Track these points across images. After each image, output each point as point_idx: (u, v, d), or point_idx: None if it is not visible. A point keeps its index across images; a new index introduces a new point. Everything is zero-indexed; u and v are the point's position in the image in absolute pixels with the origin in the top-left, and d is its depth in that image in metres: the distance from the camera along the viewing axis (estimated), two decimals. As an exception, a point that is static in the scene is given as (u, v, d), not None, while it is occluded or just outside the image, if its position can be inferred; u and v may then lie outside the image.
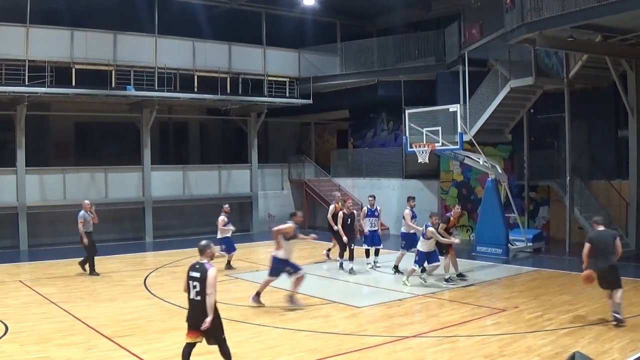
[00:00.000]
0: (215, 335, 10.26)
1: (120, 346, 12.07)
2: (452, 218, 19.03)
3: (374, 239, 21.09)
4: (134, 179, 29.58)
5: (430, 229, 17.50)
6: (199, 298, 10.04)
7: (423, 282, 18.12)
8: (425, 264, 17.88)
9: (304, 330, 13.32)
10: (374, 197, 21.69)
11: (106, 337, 12.74)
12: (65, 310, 15.17)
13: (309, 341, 12.57)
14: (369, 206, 21.32)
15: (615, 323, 13.19)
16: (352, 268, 20.08)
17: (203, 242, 10.43)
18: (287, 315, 14.57)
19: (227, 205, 21.96)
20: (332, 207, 21.75)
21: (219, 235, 21.03)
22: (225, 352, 10.36)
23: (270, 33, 32.01)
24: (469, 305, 15.70)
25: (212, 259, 10.44)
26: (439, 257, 18.35)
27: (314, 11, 32.48)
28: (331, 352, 11.77)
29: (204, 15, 30.63)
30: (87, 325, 13.73)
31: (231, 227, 21.38)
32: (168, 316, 14.64)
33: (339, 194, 23.18)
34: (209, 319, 9.95)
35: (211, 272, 10.04)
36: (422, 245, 17.79)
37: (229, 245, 21.28)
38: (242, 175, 33.29)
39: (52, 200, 27.28)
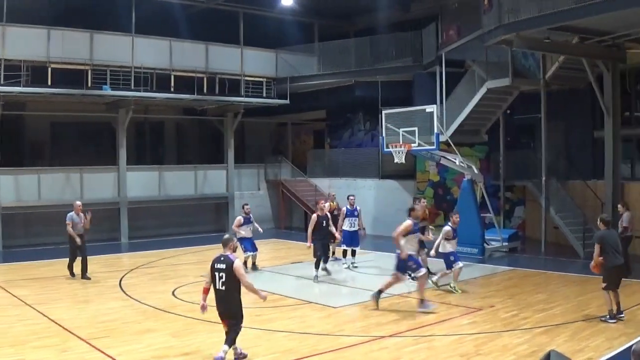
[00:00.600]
0: (235, 318, 11.18)
1: (96, 348, 11.98)
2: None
3: (352, 240, 21.01)
4: (109, 180, 29.39)
5: (448, 227, 17.54)
6: (224, 288, 11.01)
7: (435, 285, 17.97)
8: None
9: (280, 331, 13.30)
10: (354, 197, 21.63)
11: (82, 339, 12.64)
12: (40, 312, 15.04)
13: (285, 342, 12.55)
14: (348, 206, 21.20)
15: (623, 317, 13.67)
16: (326, 268, 19.89)
17: (226, 236, 11.62)
18: (263, 316, 14.52)
19: (248, 206, 21.55)
20: (327, 205, 20.97)
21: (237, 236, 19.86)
22: (232, 337, 11.11)
23: (248, 33, 31.91)
24: (445, 304, 15.73)
25: (234, 251, 11.40)
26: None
27: (291, 11, 32.44)
28: (307, 353, 11.76)
29: (181, 15, 30.48)
30: (63, 327, 13.62)
31: (248, 228, 20.75)
32: (144, 317, 14.58)
33: (334, 193, 22.88)
34: (261, 295, 11.31)
35: (237, 262, 11.03)
36: (447, 246, 17.59)
37: (247, 246, 20.63)
38: (218, 176, 33.22)
39: (27, 201, 27.05)
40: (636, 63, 24.08)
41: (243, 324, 11.31)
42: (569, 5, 18.54)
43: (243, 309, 11.24)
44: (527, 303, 15.65)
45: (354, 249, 21.25)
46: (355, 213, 21.11)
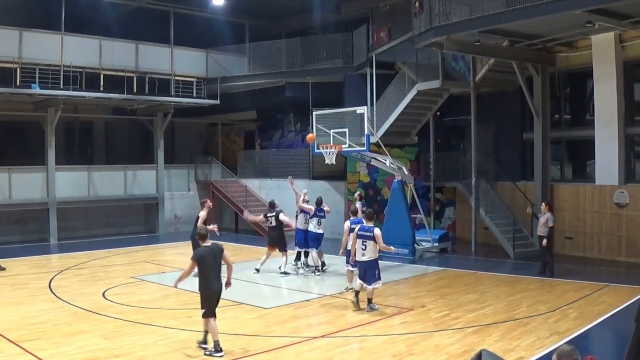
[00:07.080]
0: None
1: (27, 351, 11.76)
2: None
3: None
4: (38, 180, 28.77)
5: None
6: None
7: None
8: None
9: (212, 332, 13.16)
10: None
11: (11, 341, 12.40)
12: (-33, 315, 14.71)
13: (217, 343, 12.40)
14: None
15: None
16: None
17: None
18: (194, 318, 14.35)
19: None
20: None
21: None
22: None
23: (179, 32, 31.62)
24: (376, 304, 15.76)
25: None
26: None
27: (223, 11, 32.20)
28: (239, 354, 11.69)
29: (112, 14, 29.99)
30: (-9, 329, 13.35)
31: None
32: (74, 319, 14.32)
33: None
34: None
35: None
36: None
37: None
38: (148, 176, 32.81)
39: (-45, 202, 26.40)
40: (565, 66, 24.57)
41: None
42: (500, 8, 18.81)
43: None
44: (458, 303, 15.82)
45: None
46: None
